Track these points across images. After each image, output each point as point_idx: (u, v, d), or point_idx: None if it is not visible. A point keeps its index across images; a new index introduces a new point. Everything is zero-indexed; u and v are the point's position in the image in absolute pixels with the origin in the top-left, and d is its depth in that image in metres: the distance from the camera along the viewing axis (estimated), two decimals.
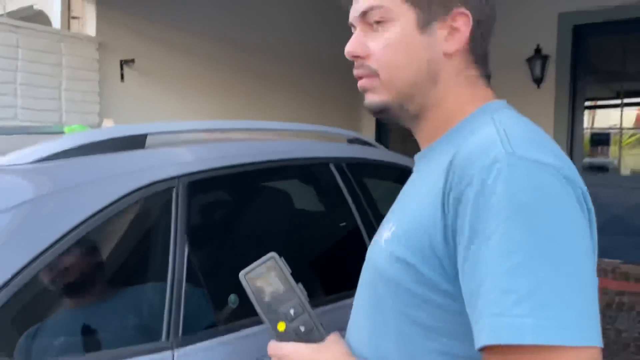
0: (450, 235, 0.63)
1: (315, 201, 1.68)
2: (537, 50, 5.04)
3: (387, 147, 6.02)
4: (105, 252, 1.17)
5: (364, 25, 0.76)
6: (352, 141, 2.00)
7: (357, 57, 0.78)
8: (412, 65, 0.74)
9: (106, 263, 1.17)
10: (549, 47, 5.02)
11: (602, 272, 4.65)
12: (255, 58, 4.84)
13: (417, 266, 0.66)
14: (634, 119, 5.90)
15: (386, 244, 0.72)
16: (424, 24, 0.73)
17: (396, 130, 6.27)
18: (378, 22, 0.74)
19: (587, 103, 5.26)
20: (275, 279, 0.76)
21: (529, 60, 5.07)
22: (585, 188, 0.65)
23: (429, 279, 0.65)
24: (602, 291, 4.35)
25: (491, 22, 0.79)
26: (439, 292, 0.65)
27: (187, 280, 1.12)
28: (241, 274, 0.76)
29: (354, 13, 0.78)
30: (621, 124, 5.29)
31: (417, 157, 0.83)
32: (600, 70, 5.41)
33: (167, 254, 1.13)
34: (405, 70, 0.75)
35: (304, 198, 1.66)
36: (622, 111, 5.21)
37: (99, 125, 3.26)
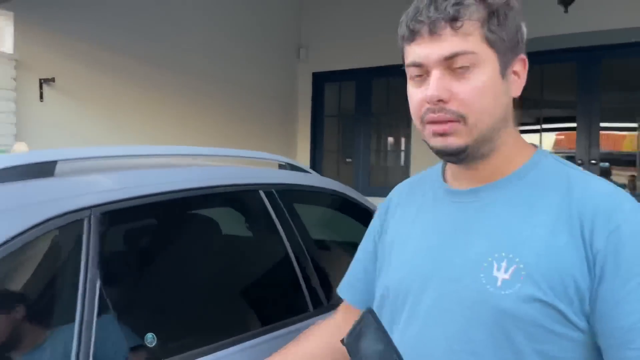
0: (595, 277, 0.71)
1: (244, 229, 1.61)
2: None
3: (321, 173, 6.03)
4: (8, 289, 1.06)
5: (445, 69, 0.77)
6: (283, 166, 1.96)
7: (440, 101, 0.78)
8: (497, 110, 0.79)
9: (8, 302, 1.05)
10: None
11: None
12: (188, 80, 4.74)
13: (558, 306, 0.71)
14: (552, 143, 6.25)
15: (513, 285, 0.74)
16: (504, 70, 0.79)
17: (330, 156, 6.32)
18: (463, 67, 0.76)
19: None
20: (373, 334, 0.80)
21: None
22: None
23: (569, 317, 0.72)
24: None
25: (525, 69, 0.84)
26: (577, 329, 0.72)
27: (98, 320, 1.02)
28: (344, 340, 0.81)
29: (433, 56, 0.78)
30: (539, 146, 5.60)
31: (465, 191, 0.85)
32: (521, 98, 5.72)
33: (77, 291, 1.03)
34: (492, 114, 0.79)
35: (232, 226, 1.59)
36: (540, 136, 5.53)
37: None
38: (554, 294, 0.71)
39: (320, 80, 6.25)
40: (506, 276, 0.73)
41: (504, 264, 0.74)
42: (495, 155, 0.83)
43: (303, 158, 6.20)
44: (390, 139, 6.41)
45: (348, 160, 6.21)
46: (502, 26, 0.77)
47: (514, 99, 0.83)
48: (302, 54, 6.20)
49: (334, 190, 2.11)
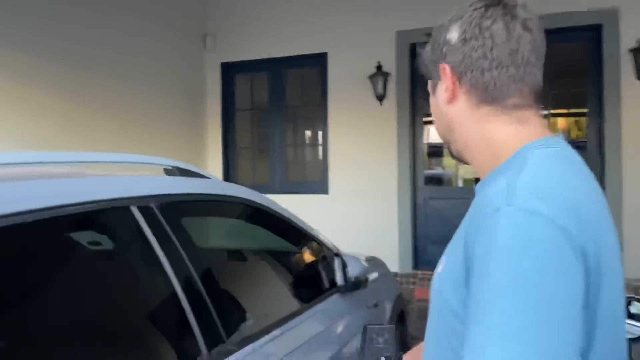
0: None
1: (105, 261, 1.23)
2: (378, 68, 5.09)
3: (235, 170, 5.61)
4: None
5: None
6: (170, 172, 1.59)
7: None
8: (439, 123, 0.92)
9: None
10: (389, 65, 5.10)
11: (424, 281, 4.81)
12: (77, 75, 4.15)
13: (451, 300, 0.74)
14: None
15: (438, 277, 0.80)
16: (433, 88, 0.92)
17: (244, 153, 5.93)
18: None
19: (425, 118, 5.45)
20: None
21: (371, 78, 5.10)
22: (587, 243, 0.65)
23: (458, 311, 0.72)
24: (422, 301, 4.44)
25: (481, 62, 0.82)
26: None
27: None
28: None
29: None
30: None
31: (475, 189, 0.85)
32: None
33: None
34: (438, 128, 0.93)
35: (89, 260, 1.21)
36: None
37: None
38: (450, 287, 0.75)
39: (230, 71, 5.84)
40: (440, 270, 0.80)
41: (444, 258, 0.81)
42: (471, 156, 0.87)
43: (214, 156, 5.77)
44: (308, 133, 6.13)
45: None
46: (425, 63, 0.93)
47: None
48: (209, 43, 5.74)
49: (239, 198, 1.77)
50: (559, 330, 0.59)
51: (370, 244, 5.14)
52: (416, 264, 5.18)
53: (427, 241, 5.26)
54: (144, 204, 1.26)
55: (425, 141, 5.38)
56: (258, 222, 1.98)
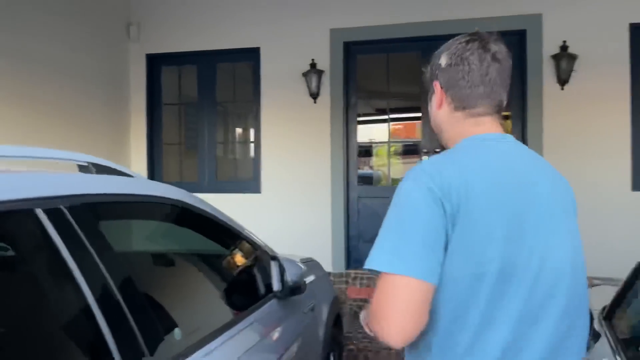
0: None
1: (3, 270, 1.04)
2: (312, 65, 5.01)
3: (161, 168, 5.31)
4: None
5: None
6: (85, 169, 1.40)
7: None
8: (432, 123, 1.29)
9: None
10: (323, 62, 5.04)
11: (357, 280, 4.82)
12: None
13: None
14: (387, 133, 6.33)
15: None
16: (429, 98, 1.27)
17: (171, 149, 5.64)
18: None
19: (359, 118, 5.44)
20: None
21: (305, 75, 5.01)
22: (446, 199, 1.03)
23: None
24: (356, 300, 4.48)
25: (460, 82, 1.17)
26: None
27: None
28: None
29: None
30: (389, 137, 5.63)
31: None
32: (368, 86, 5.67)
33: None
34: (432, 126, 1.29)
35: None
36: (389, 126, 5.53)
37: None
38: None
39: (156, 63, 5.53)
40: None
41: None
42: (452, 145, 1.21)
43: (138, 153, 5.45)
44: (239, 130, 5.95)
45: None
46: (425, 80, 1.30)
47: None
48: (133, 33, 5.41)
49: (165, 198, 1.61)
50: (410, 230, 1.01)
51: (304, 243, 5.05)
52: (349, 263, 5.15)
53: (359, 240, 5.24)
54: (52, 205, 1.07)
55: (360, 141, 5.37)
56: (187, 225, 1.82)
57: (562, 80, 4.53)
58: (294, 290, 1.89)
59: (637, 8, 4.43)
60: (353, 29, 4.99)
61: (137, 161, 5.45)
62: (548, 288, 1.06)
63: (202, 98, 5.46)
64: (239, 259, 1.99)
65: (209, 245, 1.98)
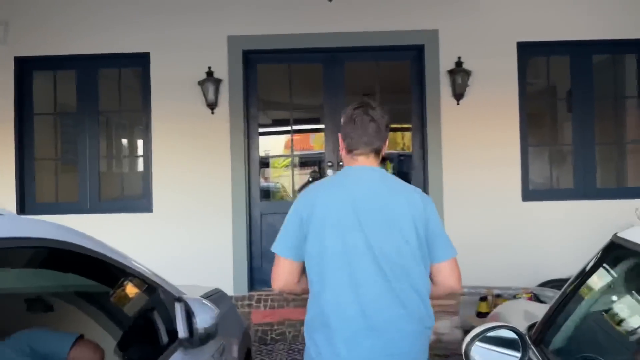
0: None
1: None
2: (209, 74, 4.68)
3: (33, 186, 4.63)
4: None
5: None
6: None
7: None
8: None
9: None
10: (221, 71, 4.73)
11: (261, 303, 4.59)
12: None
13: None
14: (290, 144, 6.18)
15: None
16: (340, 147, 1.92)
17: (45, 165, 4.96)
18: None
19: (261, 129, 5.20)
20: None
21: (201, 84, 4.67)
22: (303, 214, 1.77)
23: None
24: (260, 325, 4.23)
25: (348, 134, 1.83)
26: None
27: None
28: None
29: None
30: (292, 149, 5.45)
31: None
32: (270, 96, 5.47)
33: None
34: None
35: None
36: (291, 137, 5.34)
37: None
38: None
39: (26, 67, 4.85)
40: None
41: None
42: None
43: (5, 169, 4.71)
44: (126, 142, 5.42)
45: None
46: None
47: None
48: None
49: (38, 239, 1.24)
50: (287, 229, 1.79)
51: (202, 265, 4.68)
52: (252, 284, 4.86)
53: (263, 259, 4.98)
54: None
55: (261, 154, 5.13)
56: (69, 267, 1.45)
57: (458, 95, 4.66)
58: (205, 338, 1.59)
59: (524, 27, 4.70)
60: (253, 36, 4.75)
61: (4, 179, 4.71)
62: (374, 264, 1.71)
63: (81, 107, 4.87)
64: (135, 302, 1.65)
65: (97, 290, 1.62)
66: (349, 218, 1.71)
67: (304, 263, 1.76)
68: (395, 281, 1.69)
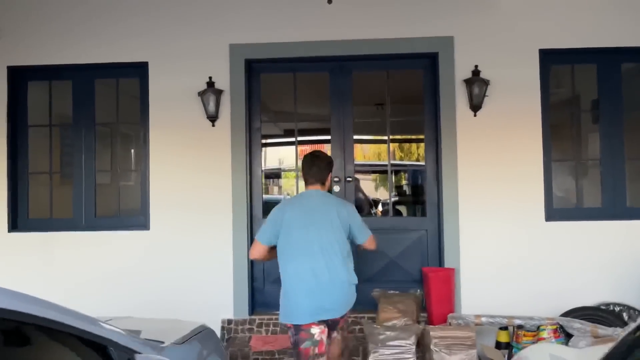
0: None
1: None
2: (210, 84, 4.43)
3: (26, 201, 4.40)
4: None
5: None
6: None
7: None
8: None
9: None
10: (223, 81, 4.48)
11: (262, 327, 4.24)
12: None
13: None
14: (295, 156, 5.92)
15: None
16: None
17: (40, 180, 4.73)
18: None
19: (263, 141, 4.93)
20: None
21: (202, 95, 4.41)
22: (278, 218, 3.06)
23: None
24: (259, 354, 3.90)
25: (305, 170, 3.20)
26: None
27: None
28: None
29: None
30: (296, 161, 5.17)
31: None
32: (274, 107, 5.20)
33: None
34: None
35: None
36: (296, 148, 5.06)
37: None
38: None
39: (20, 77, 4.66)
40: None
41: None
42: None
43: None
44: (124, 156, 5.19)
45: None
46: None
47: None
48: None
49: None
50: (266, 227, 3.06)
51: (201, 286, 4.42)
52: (253, 307, 4.56)
53: (266, 280, 4.69)
54: None
55: (263, 167, 4.85)
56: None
57: (475, 106, 4.33)
58: None
59: (547, 33, 4.36)
60: (255, 45, 4.49)
61: None
62: (318, 248, 2.90)
63: (77, 119, 4.65)
64: None
65: None
66: (305, 220, 2.98)
67: (269, 247, 3.05)
68: (332, 257, 2.94)
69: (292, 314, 2.89)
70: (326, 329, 2.89)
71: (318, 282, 2.86)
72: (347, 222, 3.01)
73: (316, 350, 2.81)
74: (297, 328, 2.86)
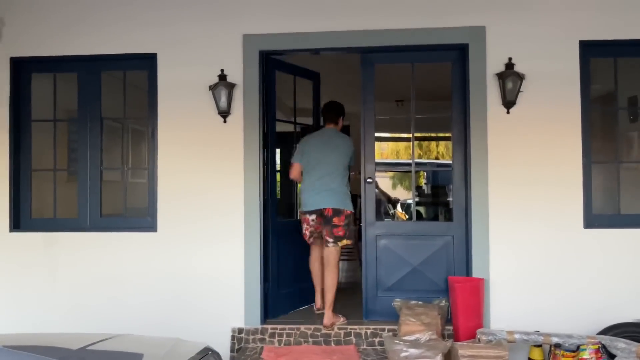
0: None
1: None
2: (222, 77, 4.15)
3: (29, 198, 4.18)
4: None
5: None
6: None
7: None
8: None
9: None
10: (236, 74, 4.19)
11: (275, 337, 3.95)
12: None
13: None
14: None
15: None
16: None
17: (45, 176, 4.51)
18: None
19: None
20: None
21: (213, 88, 4.13)
22: (304, 149, 4.41)
23: None
24: None
25: (323, 116, 4.62)
26: None
27: None
28: None
29: None
30: None
31: None
32: (292, 103, 4.90)
33: None
34: None
35: None
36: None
37: None
38: None
39: (24, 69, 4.43)
40: None
41: None
42: None
43: None
44: (131, 153, 4.94)
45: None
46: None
47: None
48: None
49: None
50: (297, 153, 4.43)
51: (210, 292, 4.16)
52: (266, 315, 4.29)
53: (279, 286, 4.41)
54: None
55: (279, 168, 4.57)
56: None
57: (508, 102, 3.99)
58: None
59: (588, 23, 4.00)
60: (272, 35, 4.20)
61: None
62: (326, 166, 4.25)
63: (83, 113, 4.41)
64: None
65: None
66: (319, 148, 4.28)
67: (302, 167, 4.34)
68: (332, 172, 4.23)
69: (303, 206, 4.32)
70: (321, 218, 4.25)
71: (320, 189, 4.22)
72: (347, 153, 4.34)
73: (311, 228, 4.33)
74: (303, 213, 4.31)
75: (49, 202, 4.50)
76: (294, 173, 4.39)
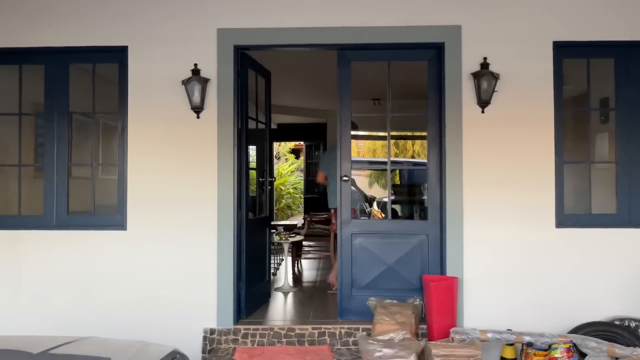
0: None
1: None
2: (195, 72, 4.05)
3: None
4: None
5: None
6: None
7: None
8: None
9: None
10: (210, 69, 4.10)
11: (248, 338, 3.89)
12: None
13: None
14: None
15: None
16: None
17: (9, 172, 4.34)
18: None
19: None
20: None
21: (186, 83, 4.04)
22: (329, 153, 5.62)
23: None
24: None
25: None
26: None
27: None
28: None
29: None
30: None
31: None
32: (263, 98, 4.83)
33: None
34: None
35: None
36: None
37: None
38: None
39: None
40: None
41: None
42: None
43: None
44: (99, 149, 4.80)
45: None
46: None
47: None
48: None
49: None
50: (321, 162, 5.78)
51: (181, 292, 4.07)
52: (239, 315, 4.21)
53: (250, 285, 4.34)
54: None
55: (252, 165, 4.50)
56: None
57: (483, 102, 4.00)
58: None
59: (562, 24, 4.03)
60: (247, 30, 4.12)
61: None
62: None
63: (50, 107, 4.26)
64: None
65: None
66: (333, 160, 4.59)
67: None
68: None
69: (334, 203, 4.91)
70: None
71: (334, 190, 4.83)
72: None
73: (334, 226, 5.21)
74: (334, 209, 4.97)
75: (14, 199, 4.34)
76: (319, 178, 5.46)
